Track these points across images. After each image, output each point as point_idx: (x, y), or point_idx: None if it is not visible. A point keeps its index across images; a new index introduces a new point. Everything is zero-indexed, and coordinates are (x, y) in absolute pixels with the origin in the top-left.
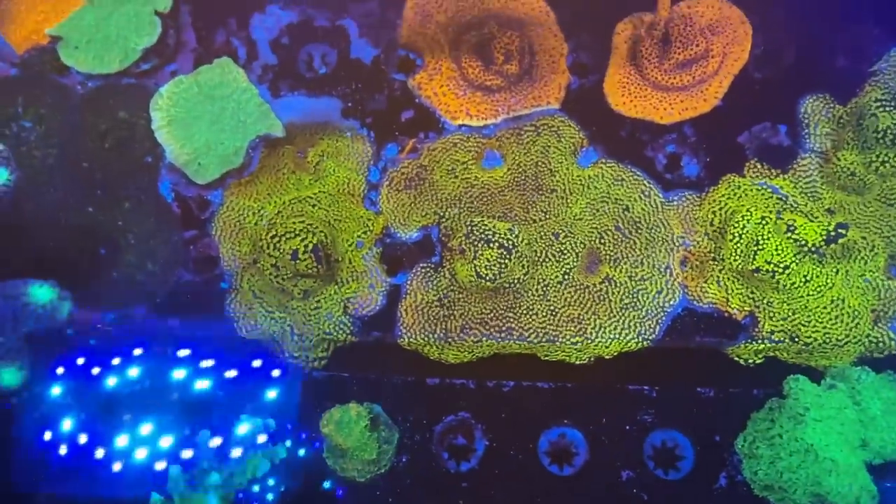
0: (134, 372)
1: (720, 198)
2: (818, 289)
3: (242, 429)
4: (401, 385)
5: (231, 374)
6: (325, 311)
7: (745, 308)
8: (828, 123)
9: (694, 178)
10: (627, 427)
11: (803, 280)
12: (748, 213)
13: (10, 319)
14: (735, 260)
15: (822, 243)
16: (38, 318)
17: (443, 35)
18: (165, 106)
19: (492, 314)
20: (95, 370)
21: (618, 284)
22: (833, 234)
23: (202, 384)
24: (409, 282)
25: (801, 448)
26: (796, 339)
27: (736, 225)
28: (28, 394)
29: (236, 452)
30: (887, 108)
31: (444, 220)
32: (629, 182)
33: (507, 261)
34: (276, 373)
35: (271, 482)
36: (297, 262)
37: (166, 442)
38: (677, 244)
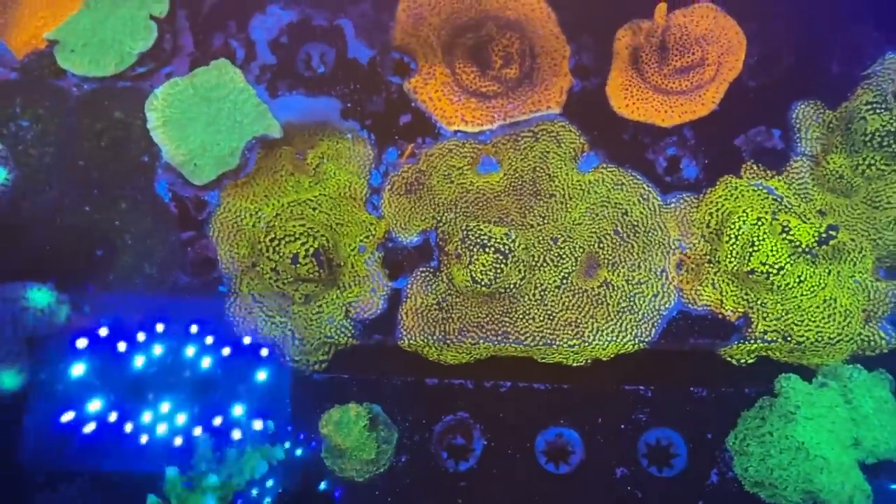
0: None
1: (717, 199)
2: (811, 289)
3: (238, 434)
4: (400, 385)
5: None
6: (326, 315)
7: (739, 309)
8: (818, 128)
9: (693, 180)
10: (623, 426)
11: (797, 280)
12: (744, 215)
13: (10, 322)
14: (731, 261)
15: (815, 244)
16: (36, 322)
17: (436, 38)
18: (160, 107)
19: (488, 318)
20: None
21: (615, 288)
22: (825, 235)
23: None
24: (409, 285)
25: (792, 445)
26: (789, 339)
27: (732, 226)
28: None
29: (236, 453)
30: (877, 111)
31: (440, 224)
32: (629, 186)
33: (502, 265)
34: (264, 352)
35: (269, 483)
36: (298, 266)
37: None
38: (674, 247)
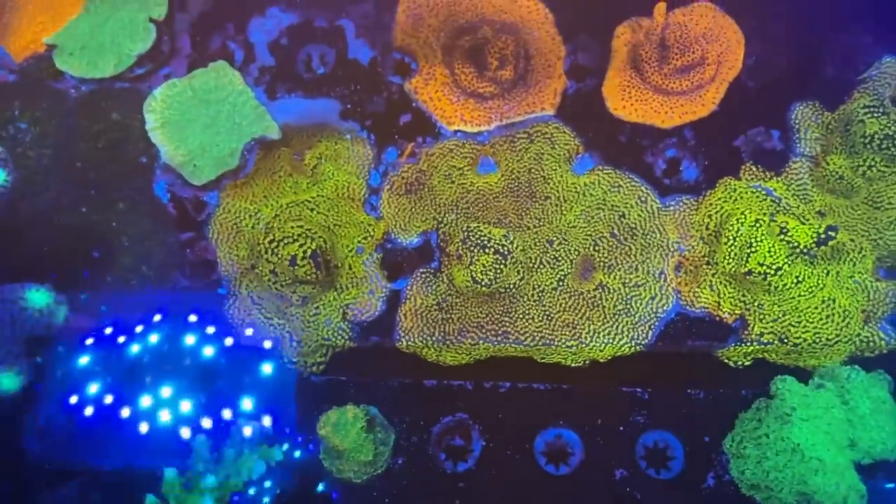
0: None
1: (717, 201)
2: (809, 289)
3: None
4: (398, 387)
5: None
6: (324, 317)
7: (736, 311)
8: (817, 129)
9: (692, 181)
10: (621, 428)
11: (795, 281)
12: (743, 216)
13: (8, 324)
14: (728, 263)
15: (814, 245)
16: (35, 323)
17: (435, 39)
18: (159, 108)
19: (488, 318)
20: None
21: (611, 291)
22: (823, 236)
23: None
24: (409, 286)
25: (788, 447)
26: (786, 340)
27: (731, 228)
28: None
29: (233, 454)
30: (875, 115)
31: (442, 225)
32: (626, 188)
33: (502, 266)
34: (267, 344)
35: (267, 484)
36: (296, 267)
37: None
38: (672, 249)
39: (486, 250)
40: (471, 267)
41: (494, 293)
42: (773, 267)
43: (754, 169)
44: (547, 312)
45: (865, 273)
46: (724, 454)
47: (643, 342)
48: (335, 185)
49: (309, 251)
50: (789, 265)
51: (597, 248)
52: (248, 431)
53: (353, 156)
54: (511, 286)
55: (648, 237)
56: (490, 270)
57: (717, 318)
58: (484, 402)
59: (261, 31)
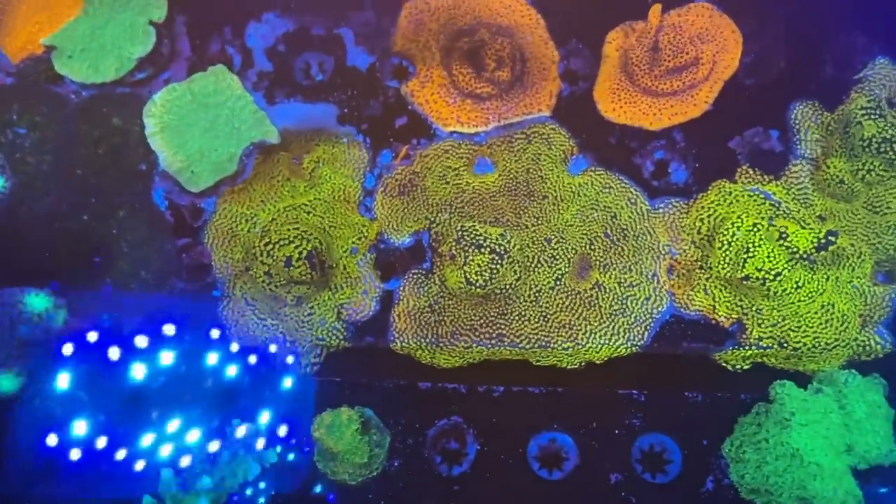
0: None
1: (709, 204)
2: (809, 294)
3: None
4: (393, 389)
5: (252, 359)
6: (318, 317)
7: (733, 315)
8: (817, 130)
9: (682, 184)
10: (616, 431)
11: (795, 286)
12: (738, 220)
13: (7, 327)
14: (724, 268)
15: (814, 250)
16: (34, 326)
17: (434, 43)
18: (158, 113)
19: (482, 320)
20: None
21: (608, 290)
22: (824, 241)
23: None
24: (401, 287)
25: (787, 452)
26: (785, 345)
27: (725, 232)
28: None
29: (229, 456)
30: (872, 117)
31: (434, 225)
32: (616, 190)
33: (498, 266)
34: (290, 359)
35: (262, 485)
36: (292, 268)
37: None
38: (663, 252)
39: (482, 250)
40: (465, 267)
41: (489, 294)
42: (773, 272)
43: (751, 172)
44: (543, 313)
45: (864, 278)
46: (722, 458)
47: (639, 343)
48: (331, 187)
49: (304, 252)
50: (789, 270)
51: (593, 247)
52: (241, 432)
53: (349, 159)
54: (507, 286)
55: (639, 239)
56: (485, 271)
57: (714, 322)
58: (478, 406)
59: (257, 37)
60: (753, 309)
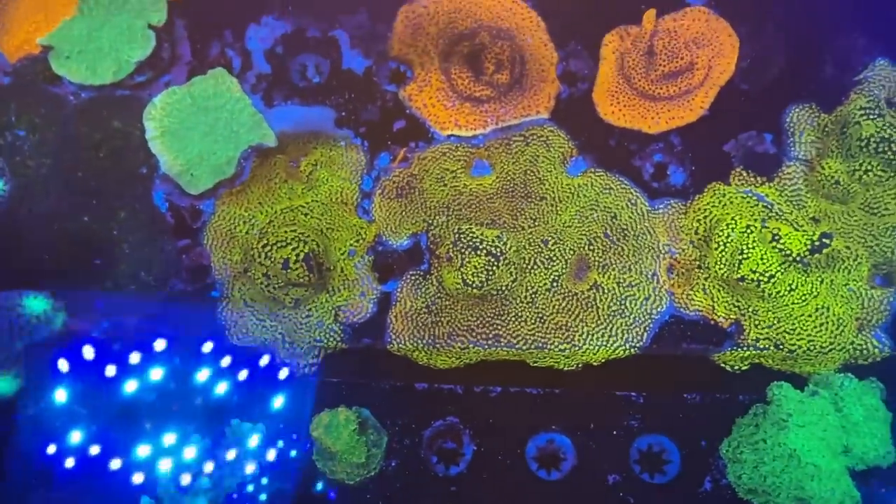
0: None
1: (705, 206)
2: (803, 297)
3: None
4: (390, 390)
5: (243, 375)
6: (316, 318)
7: (731, 316)
8: (813, 132)
9: (680, 186)
10: (615, 432)
11: (788, 289)
12: (733, 222)
13: (6, 330)
14: (720, 268)
15: (807, 253)
16: (32, 329)
17: (433, 46)
18: (159, 116)
19: (479, 321)
20: (91, 377)
21: (606, 291)
22: (818, 243)
23: (202, 377)
24: (398, 289)
25: (784, 453)
26: (781, 347)
27: (720, 233)
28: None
29: (227, 456)
30: (871, 117)
31: (432, 227)
32: (617, 190)
33: (494, 268)
34: (283, 373)
35: (265, 481)
36: (289, 270)
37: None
38: (663, 252)
39: (479, 252)
40: (461, 269)
41: (486, 295)
42: (766, 274)
43: (745, 174)
44: (540, 315)
45: (861, 281)
46: (720, 459)
47: (638, 344)
48: (329, 190)
49: (302, 254)
50: (782, 273)
51: (591, 247)
52: (240, 434)
53: (347, 162)
54: (503, 288)
55: (639, 239)
56: (482, 272)
57: (713, 322)
58: (475, 406)
59: (256, 39)
60: (750, 310)
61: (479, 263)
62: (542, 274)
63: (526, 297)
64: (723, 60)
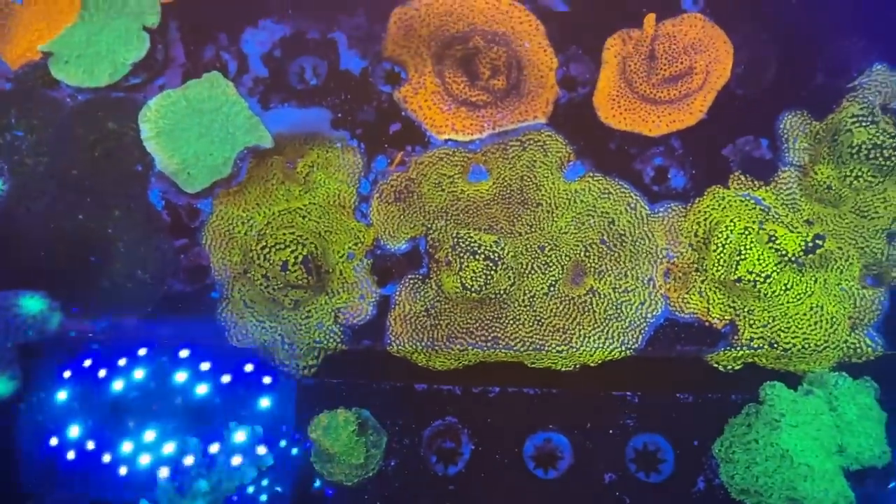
0: (120, 383)
1: (705, 208)
2: (798, 296)
3: (234, 436)
4: (389, 391)
5: (226, 378)
6: (315, 320)
7: (726, 317)
8: (805, 139)
9: (681, 189)
10: (611, 431)
11: (784, 288)
12: (731, 224)
13: (2, 330)
14: (718, 270)
15: (802, 253)
16: (28, 329)
17: (425, 49)
18: (153, 118)
19: (477, 324)
20: (87, 377)
21: (602, 296)
22: (811, 244)
23: (201, 388)
24: (398, 292)
25: (777, 453)
26: (775, 346)
27: (720, 235)
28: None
29: (225, 459)
30: (863, 124)
31: (431, 232)
32: (616, 195)
33: (492, 272)
34: (267, 380)
35: (265, 482)
36: (288, 273)
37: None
38: (661, 256)
39: (477, 256)
40: (460, 273)
41: (484, 299)
42: (763, 274)
43: (743, 178)
44: (538, 317)
45: (853, 281)
46: (713, 458)
47: (633, 346)
48: (326, 192)
49: (300, 257)
50: (778, 273)
51: (587, 253)
52: (240, 437)
53: (343, 164)
54: (501, 291)
55: (638, 243)
56: (480, 276)
57: (707, 324)
58: (474, 407)
59: (253, 43)
60: (745, 310)
61: (477, 268)
62: (539, 279)
63: (524, 301)
64: (719, 66)
